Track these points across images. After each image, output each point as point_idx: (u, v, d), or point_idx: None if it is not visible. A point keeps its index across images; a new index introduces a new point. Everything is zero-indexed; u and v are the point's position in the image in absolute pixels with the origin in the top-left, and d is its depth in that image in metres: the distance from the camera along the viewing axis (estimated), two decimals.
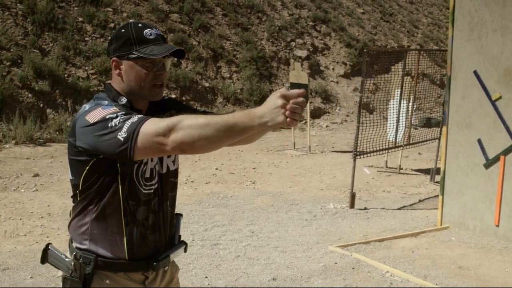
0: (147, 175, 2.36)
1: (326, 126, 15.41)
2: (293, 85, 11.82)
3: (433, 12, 23.90)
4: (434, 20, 23.26)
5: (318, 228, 7.11)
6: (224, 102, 14.89)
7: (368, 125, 9.60)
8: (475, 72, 6.75)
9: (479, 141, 6.76)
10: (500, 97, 6.55)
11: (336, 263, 5.84)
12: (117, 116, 2.14)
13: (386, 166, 10.64)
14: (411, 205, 8.36)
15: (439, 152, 10.20)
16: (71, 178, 2.35)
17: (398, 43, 20.23)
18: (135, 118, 2.12)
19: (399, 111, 9.78)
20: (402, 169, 10.58)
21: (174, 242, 2.52)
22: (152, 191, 2.37)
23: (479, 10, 6.68)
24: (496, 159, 6.63)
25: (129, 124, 2.10)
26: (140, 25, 2.33)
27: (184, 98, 14.20)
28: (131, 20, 2.40)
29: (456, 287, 5.36)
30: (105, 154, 2.18)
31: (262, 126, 2.02)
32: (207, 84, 14.63)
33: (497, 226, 6.67)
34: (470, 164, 6.90)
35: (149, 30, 2.30)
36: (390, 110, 10.43)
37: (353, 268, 5.74)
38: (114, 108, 2.21)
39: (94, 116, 2.17)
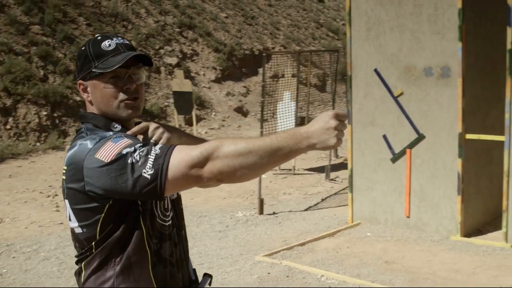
0: (165, 204, 2.07)
1: (205, 133, 15.25)
2: (176, 94, 11.55)
3: (291, 13, 24.56)
4: (293, 21, 23.91)
5: (235, 238, 6.94)
6: None
7: (246, 129, 9.57)
8: (375, 70, 6.93)
9: (385, 136, 6.96)
10: (402, 93, 6.78)
11: (269, 273, 5.72)
12: (135, 150, 1.83)
13: (280, 168, 10.70)
14: (315, 205, 8.45)
15: (331, 150, 10.43)
16: (79, 230, 1.98)
17: (263, 46, 20.53)
18: (157, 149, 1.84)
19: (294, 112, 9.86)
20: (296, 169, 10.69)
21: (192, 277, 2.24)
22: (170, 222, 2.08)
23: (375, 9, 6.87)
24: (402, 152, 6.85)
25: (154, 157, 1.81)
26: (99, 37, 2.04)
27: (55, 115, 13.38)
28: (97, 35, 2.10)
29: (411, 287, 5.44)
30: (127, 197, 1.87)
31: (309, 149, 1.83)
32: (78, 98, 13.89)
33: (408, 217, 6.90)
34: (377, 160, 7.08)
35: (108, 41, 2.01)
36: (278, 112, 10.49)
37: (287, 276, 5.64)
38: (127, 140, 1.89)
39: (108, 153, 1.85)
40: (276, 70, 20.20)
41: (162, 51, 17.39)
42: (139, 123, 2.14)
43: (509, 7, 5.93)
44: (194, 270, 2.25)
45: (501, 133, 7.26)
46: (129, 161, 1.82)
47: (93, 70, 1.99)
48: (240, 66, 19.34)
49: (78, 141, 1.96)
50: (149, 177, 1.79)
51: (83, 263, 2.01)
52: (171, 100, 15.59)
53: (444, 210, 6.62)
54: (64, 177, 1.97)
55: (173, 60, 17.32)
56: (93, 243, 1.96)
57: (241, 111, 17.57)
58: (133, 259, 1.96)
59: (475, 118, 6.64)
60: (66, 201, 1.99)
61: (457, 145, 6.41)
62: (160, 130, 2.07)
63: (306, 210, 8.18)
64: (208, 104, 16.93)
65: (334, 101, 10.57)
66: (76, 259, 2.06)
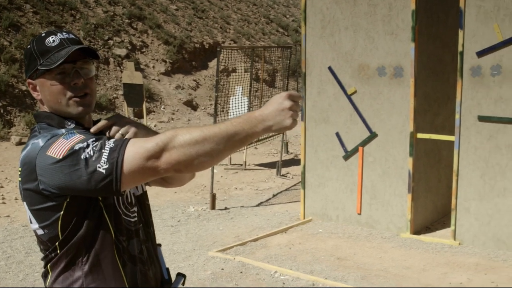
0: (128, 199, 2.02)
1: (155, 126, 15.08)
2: (127, 86, 11.36)
3: (242, 8, 24.50)
4: (244, 16, 23.86)
5: (188, 233, 6.89)
6: None
7: (196, 122, 9.52)
8: (329, 68, 6.98)
9: (337, 134, 7.03)
10: (355, 91, 6.85)
11: (222, 269, 5.70)
12: (88, 145, 1.78)
13: (230, 163, 10.68)
14: (267, 200, 8.47)
15: (282, 146, 10.48)
16: (40, 231, 1.91)
17: (213, 40, 20.41)
18: (111, 143, 1.79)
19: (248, 107, 9.85)
20: (247, 165, 10.69)
21: (164, 276, 2.19)
22: (136, 218, 2.03)
23: (330, 8, 6.91)
24: (354, 150, 6.93)
25: (108, 151, 1.76)
26: (43, 34, 1.98)
27: (0, 104, 12.97)
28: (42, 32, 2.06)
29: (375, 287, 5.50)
30: (83, 193, 1.81)
31: (265, 131, 1.82)
32: (24, 88, 13.50)
33: (359, 214, 7.00)
34: (329, 157, 7.14)
35: (52, 37, 1.95)
36: (231, 107, 10.45)
37: (241, 272, 5.64)
38: (79, 135, 1.84)
39: (59, 149, 1.79)
40: (227, 64, 20.10)
41: (111, 42, 17.08)
42: (98, 120, 2.09)
43: (460, 10, 6.06)
44: (167, 269, 2.21)
45: (450, 133, 7.43)
46: (82, 156, 1.76)
47: (38, 68, 1.93)
48: (190, 59, 19.18)
49: (31, 140, 1.91)
50: (104, 171, 1.75)
51: (49, 264, 1.96)
52: (120, 92, 15.35)
53: (395, 208, 6.74)
54: (19, 179, 1.91)
55: (122, 52, 17.04)
56: (57, 243, 1.90)
57: (191, 104, 17.44)
58: (101, 256, 1.91)
59: (425, 118, 6.77)
60: (25, 203, 1.92)
61: (409, 144, 6.53)
62: (126, 125, 2.02)
63: (257, 205, 8.19)
64: (158, 97, 16.74)
65: None
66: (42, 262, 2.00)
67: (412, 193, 6.59)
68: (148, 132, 2.08)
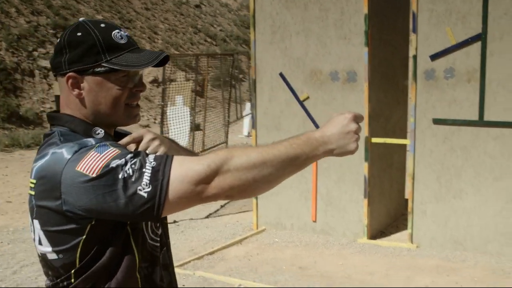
0: (157, 222, 1.76)
1: None
2: (58, 98, 10.86)
3: (169, 18, 24.18)
4: (171, 26, 23.56)
5: None
6: None
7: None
8: (281, 74, 6.87)
9: None
10: (308, 97, 6.76)
11: (184, 285, 5.43)
12: (126, 162, 1.49)
13: None
14: (215, 211, 8.25)
15: None
16: (53, 256, 1.62)
17: None
18: (151, 160, 1.51)
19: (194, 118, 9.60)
20: None
21: None
22: (159, 242, 1.77)
23: (280, 13, 6.80)
24: None
25: (150, 171, 1.48)
26: (102, 25, 1.67)
27: None
28: (82, 19, 1.72)
29: None
30: (115, 218, 1.53)
31: (326, 154, 1.62)
32: None
33: (315, 221, 6.90)
34: None
35: (118, 32, 1.67)
36: (169, 117, 10.17)
37: (203, 287, 5.39)
38: (114, 149, 1.55)
39: (92, 165, 1.49)
40: (156, 74, 19.80)
41: (35, 53, 16.41)
42: (124, 133, 1.84)
43: (413, 14, 6.09)
44: None
45: (401, 136, 7.48)
46: (120, 175, 1.47)
47: (103, 64, 1.62)
48: None
49: (51, 149, 1.58)
50: (145, 195, 1.46)
51: None
52: (48, 105, 14.74)
53: (351, 214, 6.68)
54: (32, 193, 1.60)
55: (48, 63, 16.41)
56: (73, 271, 1.61)
57: None
58: (123, 287, 1.64)
59: (378, 123, 6.76)
60: (36, 221, 1.62)
61: (364, 149, 6.48)
62: (156, 142, 1.75)
63: (207, 217, 7.96)
64: None
65: (229, 106, 10.42)
66: None
67: (368, 198, 6.55)
68: (179, 148, 1.84)
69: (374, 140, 6.54)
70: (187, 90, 9.88)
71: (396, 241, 6.64)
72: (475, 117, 5.97)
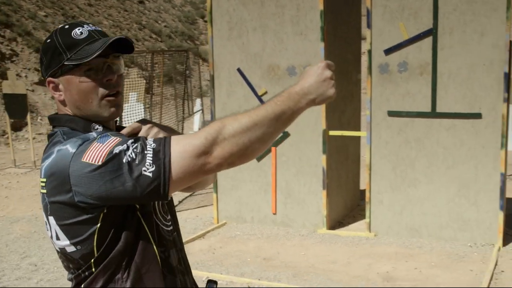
0: (165, 207, 1.85)
1: (34, 138, 14.27)
2: (7, 96, 10.66)
3: (113, 14, 23.88)
4: (115, 22, 23.28)
5: None
6: None
7: None
8: (238, 70, 6.97)
9: None
10: (266, 92, 6.89)
11: None
12: (128, 147, 1.58)
13: None
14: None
15: None
16: (71, 248, 1.69)
17: None
18: (151, 143, 1.60)
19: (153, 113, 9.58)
20: None
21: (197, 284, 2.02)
22: (171, 226, 1.86)
23: (237, 9, 6.90)
24: (267, 151, 6.96)
25: (152, 152, 1.57)
26: (67, 26, 1.76)
27: None
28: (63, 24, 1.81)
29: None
30: (125, 201, 1.61)
31: (309, 105, 1.71)
32: None
33: (275, 214, 7.04)
34: None
35: (79, 29, 1.74)
36: (124, 114, 10.12)
37: None
38: (115, 137, 1.63)
39: (97, 154, 1.58)
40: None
41: None
42: (120, 126, 1.91)
43: (368, 10, 6.29)
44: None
45: (355, 129, 7.71)
46: (124, 160, 1.56)
47: (65, 63, 1.70)
48: None
49: (56, 147, 1.66)
50: (150, 174, 1.55)
51: (82, 285, 1.73)
52: None
53: (310, 205, 6.85)
54: (44, 191, 1.68)
55: None
56: (92, 260, 1.69)
57: None
58: (143, 270, 1.72)
59: (334, 116, 6.95)
60: (51, 218, 1.69)
61: (321, 141, 6.66)
62: (155, 129, 1.83)
63: None
64: (33, 108, 15.86)
65: (183, 102, 10.45)
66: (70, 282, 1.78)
67: (327, 189, 6.73)
68: (174, 133, 1.92)
69: (332, 132, 6.72)
70: (141, 86, 9.86)
71: (354, 230, 6.86)
72: (427, 109, 6.23)
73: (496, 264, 5.64)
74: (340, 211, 7.25)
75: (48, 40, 1.74)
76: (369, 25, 6.33)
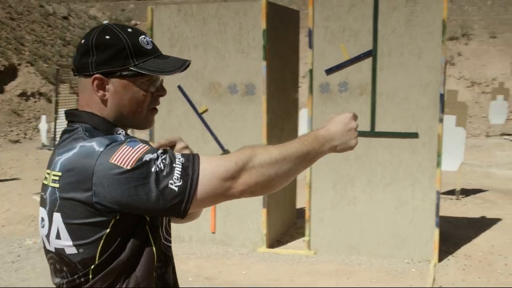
0: (169, 222, 1.78)
1: None
2: None
3: (36, 29, 23.16)
4: (38, 37, 22.61)
5: (35, 268, 6.29)
6: None
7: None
8: (179, 87, 6.90)
9: None
10: (206, 110, 6.85)
11: None
12: (157, 157, 1.55)
13: None
14: None
15: None
16: (72, 250, 1.60)
17: (8, 61, 19.06)
18: (180, 157, 1.57)
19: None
20: None
21: None
22: (171, 242, 1.79)
23: (179, 26, 6.85)
24: None
25: (181, 166, 1.54)
26: (129, 29, 1.70)
27: None
28: (106, 22, 1.73)
29: None
30: (144, 212, 1.56)
31: (331, 151, 1.78)
32: None
33: (214, 233, 6.97)
34: None
35: (144, 38, 1.71)
36: (58, 130, 9.80)
37: None
38: (144, 145, 1.59)
39: (126, 158, 1.52)
40: (25, 87, 18.92)
41: None
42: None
43: (309, 30, 6.39)
44: None
45: None
46: (153, 169, 1.52)
47: (131, 68, 1.66)
48: None
49: (78, 143, 1.60)
50: (176, 189, 1.52)
51: None
52: None
53: (250, 223, 6.83)
54: (56, 185, 1.59)
55: None
56: (92, 267, 1.60)
57: None
58: (142, 285, 1.64)
59: (273, 134, 6.98)
60: (57, 214, 1.60)
61: None
62: (187, 151, 1.83)
63: None
64: None
65: None
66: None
67: (267, 207, 6.74)
68: None
69: None
70: (72, 103, 9.59)
71: (293, 248, 6.88)
72: (367, 128, 6.37)
73: (434, 279, 5.79)
74: (278, 229, 7.27)
75: (108, 37, 1.66)
76: (310, 45, 6.43)
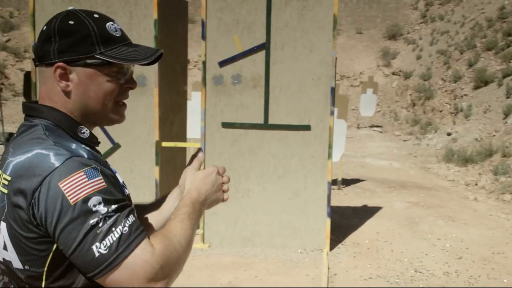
0: None
1: None
2: None
3: None
4: None
5: None
6: None
7: None
8: None
9: None
10: None
11: None
12: (107, 211, 1.36)
13: None
14: None
15: None
16: (20, 266, 1.44)
17: None
18: (127, 224, 1.38)
19: None
20: None
21: None
22: None
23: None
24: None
25: (118, 235, 1.36)
26: (96, 15, 1.54)
27: None
28: (71, 8, 1.56)
29: None
30: (62, 251, 1.38)
31: (202, 211, 1.71)
32: None
33: None
34: None
35: (112, 24, 1.56)
36: None
37: None
38: (102, 182, 1.39)
39: (74, 189, 1.35)
40: None
41: None
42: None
43: (203, 22, 6.32)
44: None
45: (183, 140, 7.69)
46: (91, 221, 1.35)
47: (97, 56, 1.50)
48: None
49: (35, 147, 1.42)
50: (96, 254, 1.34)
51: None
52: None
53: None
54: (5, 191, 1.43)
55: None
56: (42, 286, 1.44)
57: None
58: None
59: (164, 127, 6.84)
60: (3, 224, 1.43)
61: (154, 153, 6.52)
62: (190, 178, 1.78)
63: None
64: None
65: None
66: None
67: None
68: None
69: (165, 144, 6.61)
70: None
71: None
72: (260, 120, 6.41)
73: (328, 268, 5.96)
74: None
75: (72, 22, 1.49)
76: (203, 37, 6.36)
